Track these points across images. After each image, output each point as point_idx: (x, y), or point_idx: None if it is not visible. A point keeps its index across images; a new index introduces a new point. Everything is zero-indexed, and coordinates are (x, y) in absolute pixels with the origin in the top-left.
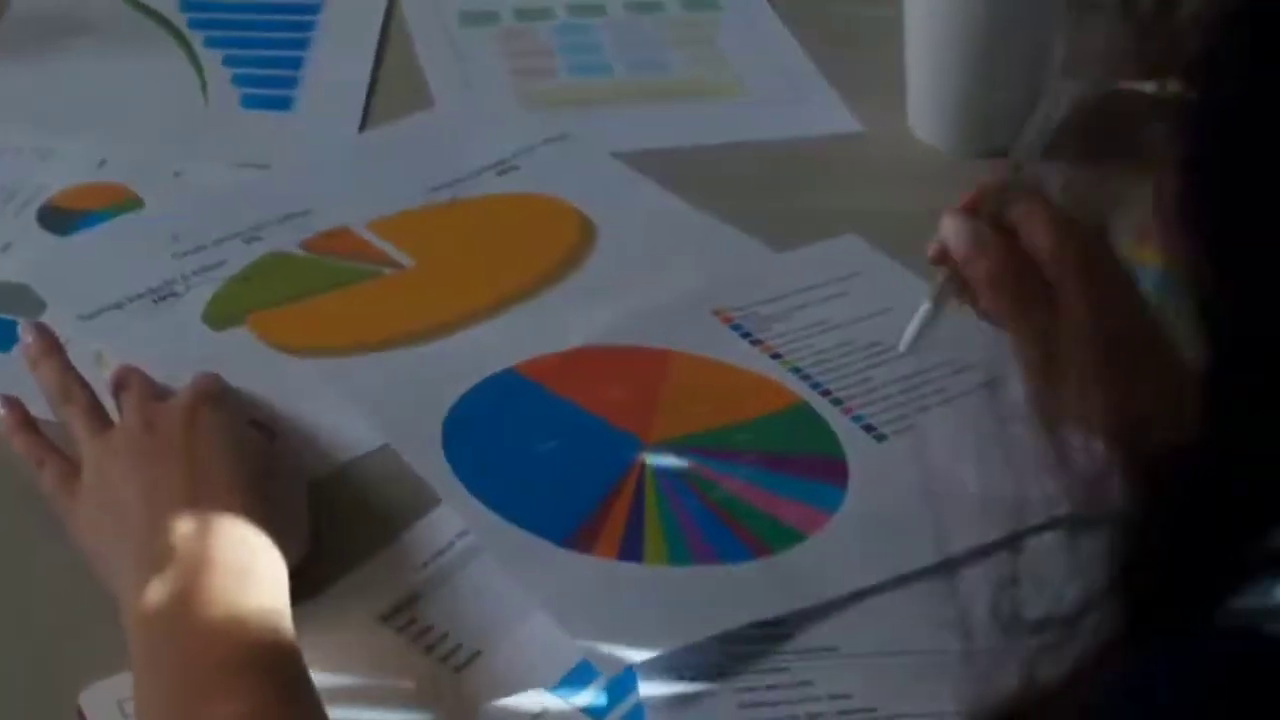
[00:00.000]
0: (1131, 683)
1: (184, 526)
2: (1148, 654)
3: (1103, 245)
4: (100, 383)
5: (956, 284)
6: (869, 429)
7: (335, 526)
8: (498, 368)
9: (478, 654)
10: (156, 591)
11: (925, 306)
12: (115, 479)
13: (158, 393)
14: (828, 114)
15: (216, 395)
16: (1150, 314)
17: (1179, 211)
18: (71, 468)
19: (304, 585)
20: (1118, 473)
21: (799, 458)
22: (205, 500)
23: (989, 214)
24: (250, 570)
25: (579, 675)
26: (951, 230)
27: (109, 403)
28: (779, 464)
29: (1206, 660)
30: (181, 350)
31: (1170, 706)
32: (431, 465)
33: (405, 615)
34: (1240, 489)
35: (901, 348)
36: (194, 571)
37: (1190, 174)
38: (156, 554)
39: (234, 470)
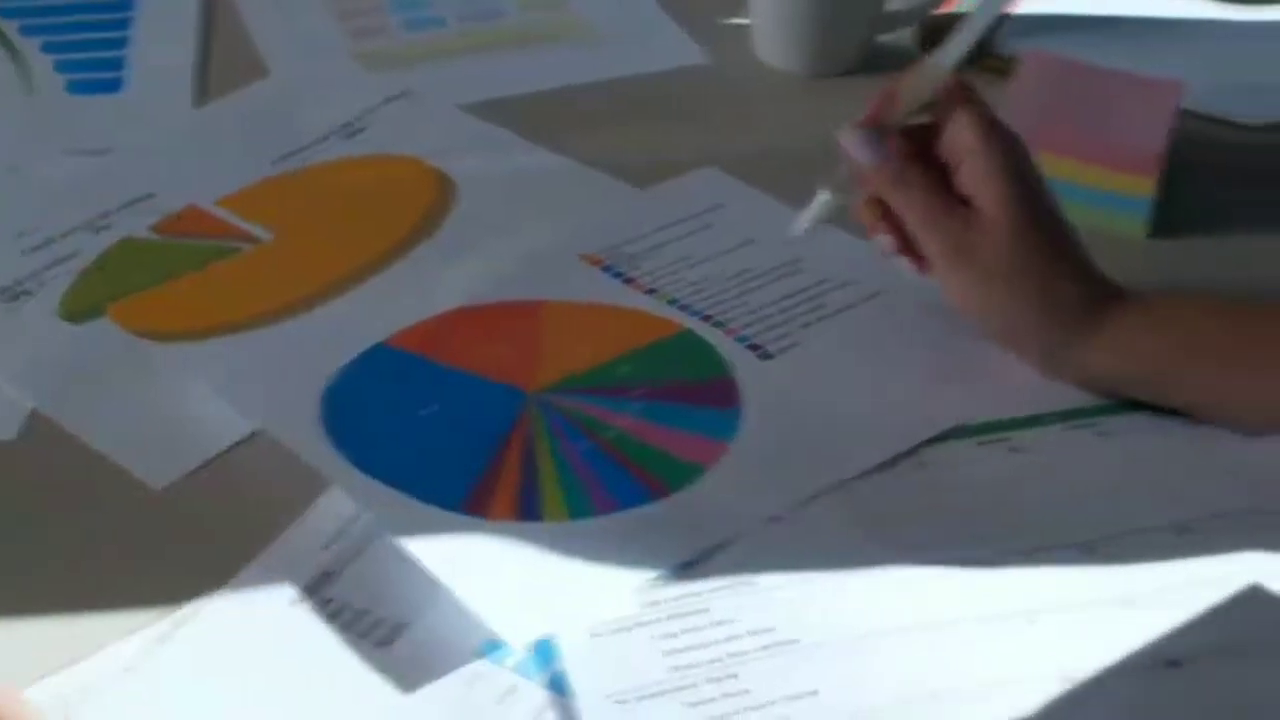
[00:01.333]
0: None
1: None
2: None
3: (1021, 149)
4: None
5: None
6: (754, 348)
7: (230, 513)
8: (370, 339)
9: (400, 627)
10: None
11: (825, 197)
12: None
13: None
14: (673, 47)
15: None
16: (1058, 218)
17: None
18: None
19: (207, 577)
20: None
21: (687, 384)
22: None
23: (897, 118)
24: None
25: (508, 640)
26: (850, 142)
27: None
28: (668, 394)
29: None
30: (40, 349)
31: None
32: (311, 445)
33: (319, 596)
34: None
35: (796, 231)
36: None
37: None
38: None
39: None
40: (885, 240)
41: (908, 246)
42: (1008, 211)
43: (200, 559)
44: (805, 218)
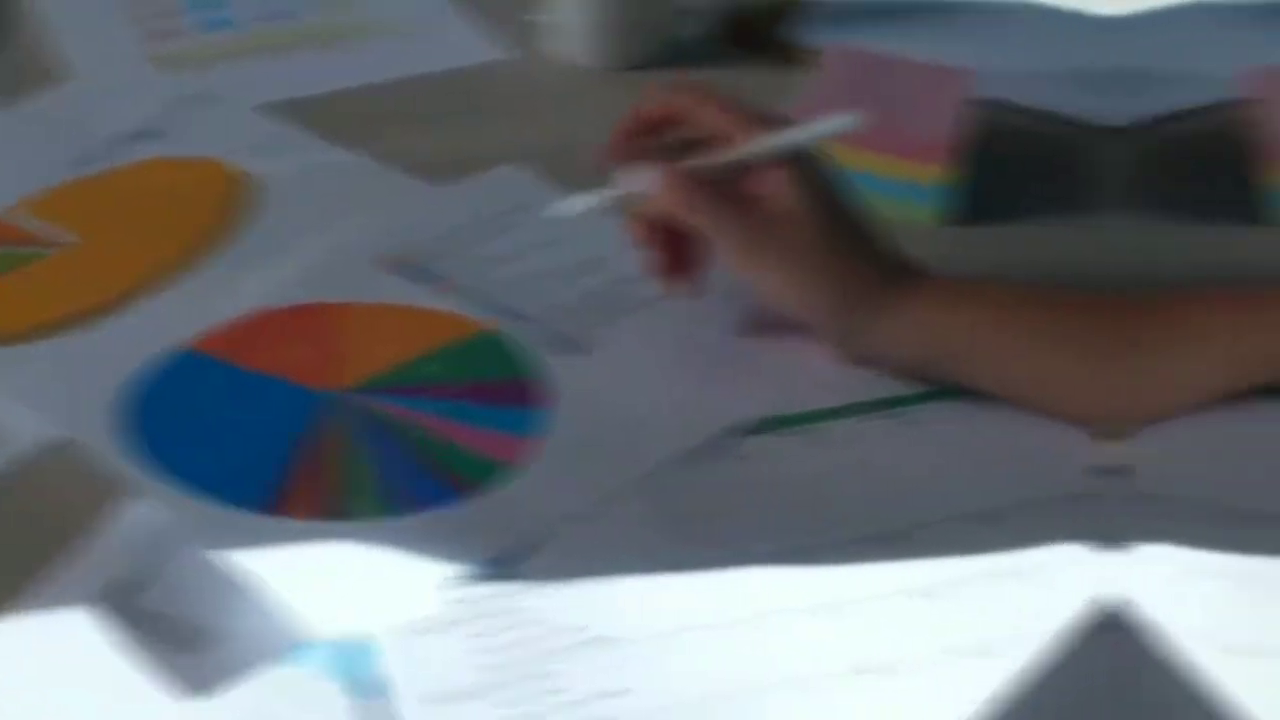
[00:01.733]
0: None
1: None
2: None
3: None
4: None
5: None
6: (560, 345)
7: (30, 522)
8: (170, 343)
9: (207, 632)
10: None
11: (592, 200)
12: None
13: None
14: (471, 44)
15: None
16: (853, 201)
17: None
18: None
19: (2, 589)
20: None
21: (493, 383)
22: None
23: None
24: None
25: (317, 642)
26: (635, 179)
27: None
28: (473, 393)
29: None
30: None
31: None
32: (114, 451)
33: (122, 605)
34: None
35: (552, 213)
36: None
37: None
38: None
39: None
40: (646, 258)
41: (669, 265)
42: (800, 200)
43: None
44: (564, 207)
